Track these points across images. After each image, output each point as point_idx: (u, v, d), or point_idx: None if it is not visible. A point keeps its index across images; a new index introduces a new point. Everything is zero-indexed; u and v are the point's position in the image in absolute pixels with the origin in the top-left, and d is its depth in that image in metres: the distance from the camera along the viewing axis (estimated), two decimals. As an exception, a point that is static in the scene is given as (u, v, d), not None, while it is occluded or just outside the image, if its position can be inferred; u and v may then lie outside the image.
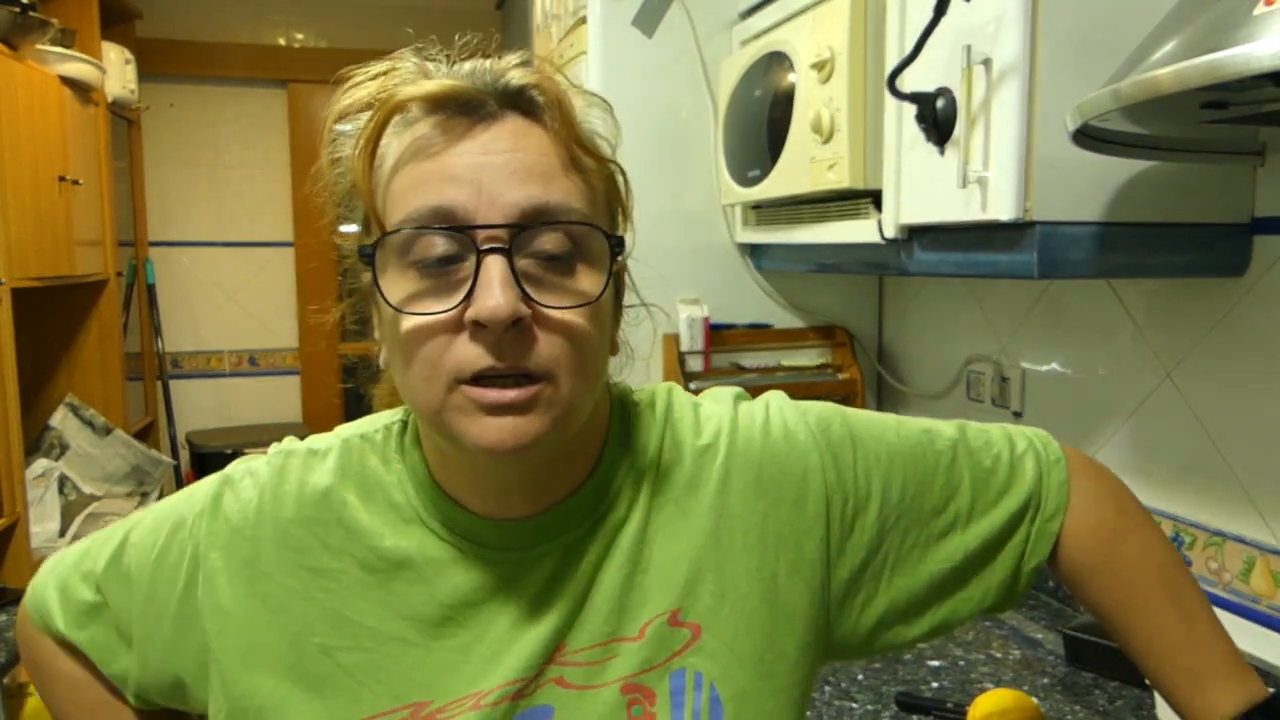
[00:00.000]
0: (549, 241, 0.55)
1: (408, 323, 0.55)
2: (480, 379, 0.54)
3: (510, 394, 0.54)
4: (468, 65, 0.58)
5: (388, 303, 0.56)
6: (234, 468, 0.70)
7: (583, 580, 0.62)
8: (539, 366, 0.54)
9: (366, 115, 0.57)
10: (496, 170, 0.54)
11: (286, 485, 0.66)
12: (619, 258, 0.60)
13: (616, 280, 0.63)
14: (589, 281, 0.57)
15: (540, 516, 0.62)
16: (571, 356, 0.55)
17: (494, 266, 0.53)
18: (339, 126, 0.60)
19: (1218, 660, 0.67)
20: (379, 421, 0.69)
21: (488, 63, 0.58)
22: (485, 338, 0.54)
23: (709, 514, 0.64)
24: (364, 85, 0.58)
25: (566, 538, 0.63)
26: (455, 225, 0.54)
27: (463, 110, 0.56)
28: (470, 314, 0.53)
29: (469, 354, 0.54)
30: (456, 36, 0.60)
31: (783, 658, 0.63)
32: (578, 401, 0.57)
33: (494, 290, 0.52)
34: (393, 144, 0.57)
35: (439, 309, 0.54)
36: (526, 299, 0.54)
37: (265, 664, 0.63)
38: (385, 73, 0.58)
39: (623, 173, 0.62)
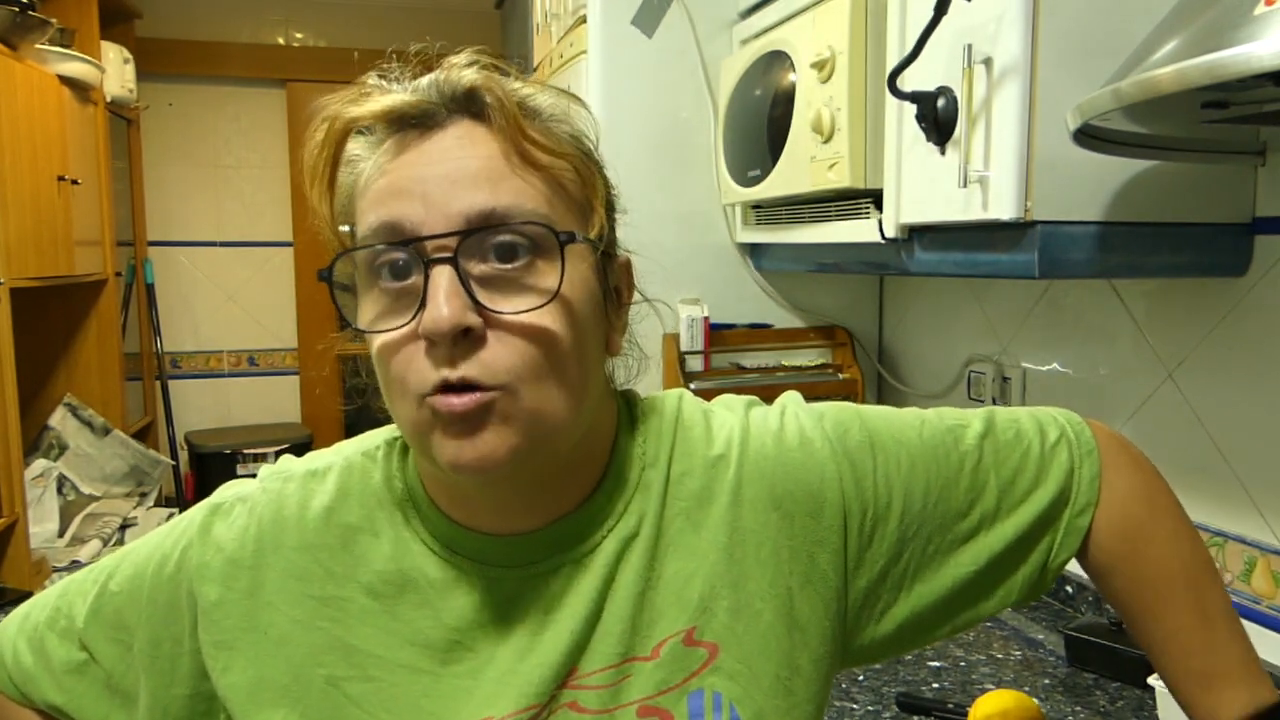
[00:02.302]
0: (500, 244, 0.54)
1: (374, 341, 0.55)
2: (439, 390, 0.53)
3: (461, 401, 0.52)
4: (425, 79, 0.56)
5: (347, 323, 0.56)
6: (221, 495, 0.67)
7: (592, 598, 0.60)
8: (493, 376, 0.53)
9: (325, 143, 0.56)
10: (441, 179, 0.53)
11: (286, 510, 0.64)
12: (595, 252, 0.58)
13: (606, 277, 0.61)
14: (549, 280, 0.55)
15: (543, 531, 0.60)
16: (535, 362, 0.54)
17: (440, 277, 0.52)
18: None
19: (1232, 664, 0.65)
20: (380, 437, 0.67)
21: (442, 74, 0.56)
22: (436, 351, 0.53)
23: (722, 528, 0.62)
24: (330, 110, 0.56)
25: (573, 554, 0.61)
26: (403, 239, 0.53)
27: (412, 123, 0.55)
28: (420, 329, 0.53)
29: (425, 367, 0.53)
30: (411, 46, 0.59)
31: (799, 673, 0.61)
32: (549, 410, 0.55)
33: (438, 301, 0.51)
34: (366, 167, 0.56)
35: (395, 325, 0.54)
36: (478, 306, 0.53)
37: (271, 699, 0.61)
38: (355, 99, 0.57)
39: (590, 164, 0.60)
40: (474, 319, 0.52)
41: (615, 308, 0.63)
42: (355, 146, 0.57)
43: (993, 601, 0.68)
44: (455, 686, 0.60)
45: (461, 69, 0.56)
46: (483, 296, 0.53)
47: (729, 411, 0.67)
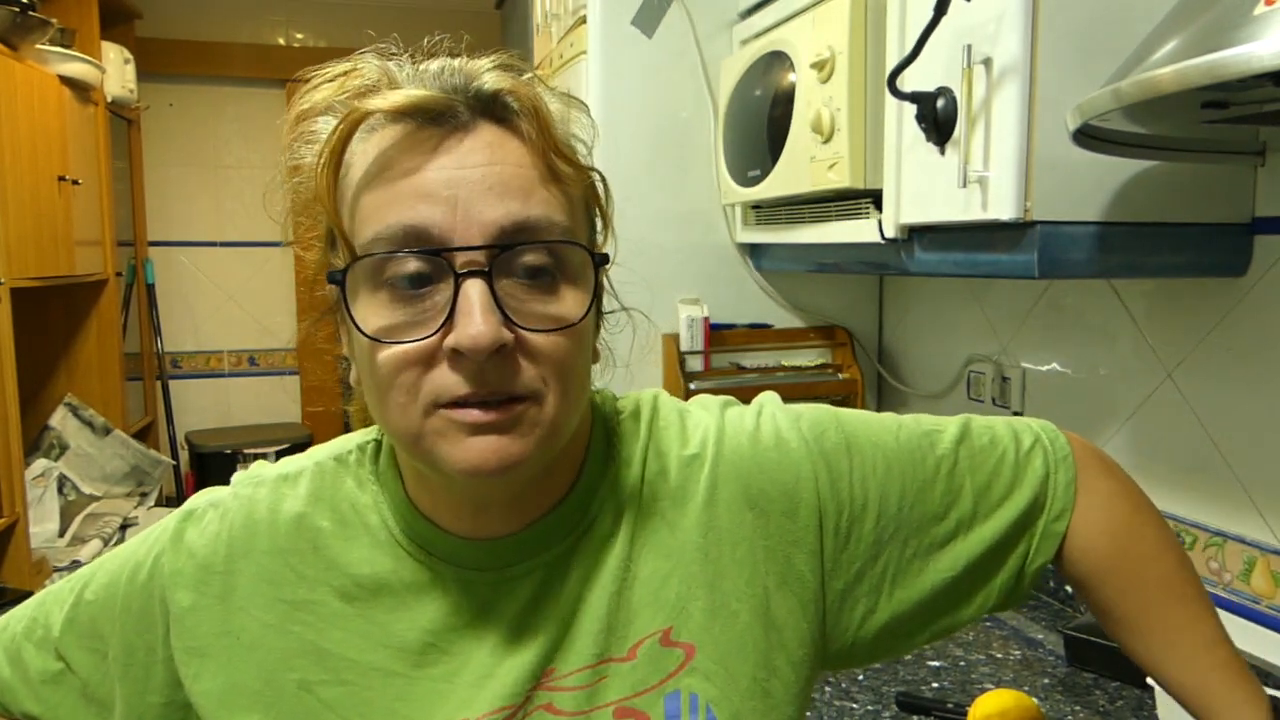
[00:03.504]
0: (530, 261, 0.52)
1: (384, 351, 0.52)
2: (460, 403, 0.52)
3: (492, 415, 0.51)
4: (435, 65, 0.54)
5: (362, 332, 0.53)
6: (194, 501, 0.66)
7: (568, 600, 0.60)
8: (523, 389, 0.52)
9: (327, 122, 0.54)
10: (472, 186, 0.51)
11: (257, 515, 0.63)
12: (603, 270, 0.58)
13: (596, 290, 0.60)
14: (572, 300, 0.54)
15: (520, 534, 0.60)
16: (555, 377, 0.53)
17: (473, 291, 0.50)
18: (301, 128, 0.57)
19: (1237, 667, 0.65)
20: (352, 442, 0.66)
21: (457, 63, 0.54)
22: (466, 366, 0.51)
23: (697, 528, 0.61)
24: (323, 88, 0.55)
25: (547, 555, 0.60)
26: (431, 247, 0.51)
27: (433, 120, 0.52)
28: (450, 342, 0.51)
29: (448, 381, 0.51)
30: (426, 40, 0.57)
31: (776, 675, 0.61)
32: (562, 421, 0.55)
33: (475, 318, 0.50)
34: (357, 154, 0.54)
35: (416, 337, 0.51)
36: (508, 323, 0.51)
37: (243, 704, 0.61)
38: (346, 73, 0.55)
39: (603, 179, 0.60)
40: (508, 335, 0.51)
41: (598, 315, 0.62)
42: None
43: (971, 608, 0.67)
44: (430, 689, 0.59)
45: (485, 70, 0.54)
46: (511, 312, 0.52)
47: (704, 411, 0.67)
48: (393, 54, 0.56)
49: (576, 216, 0.56)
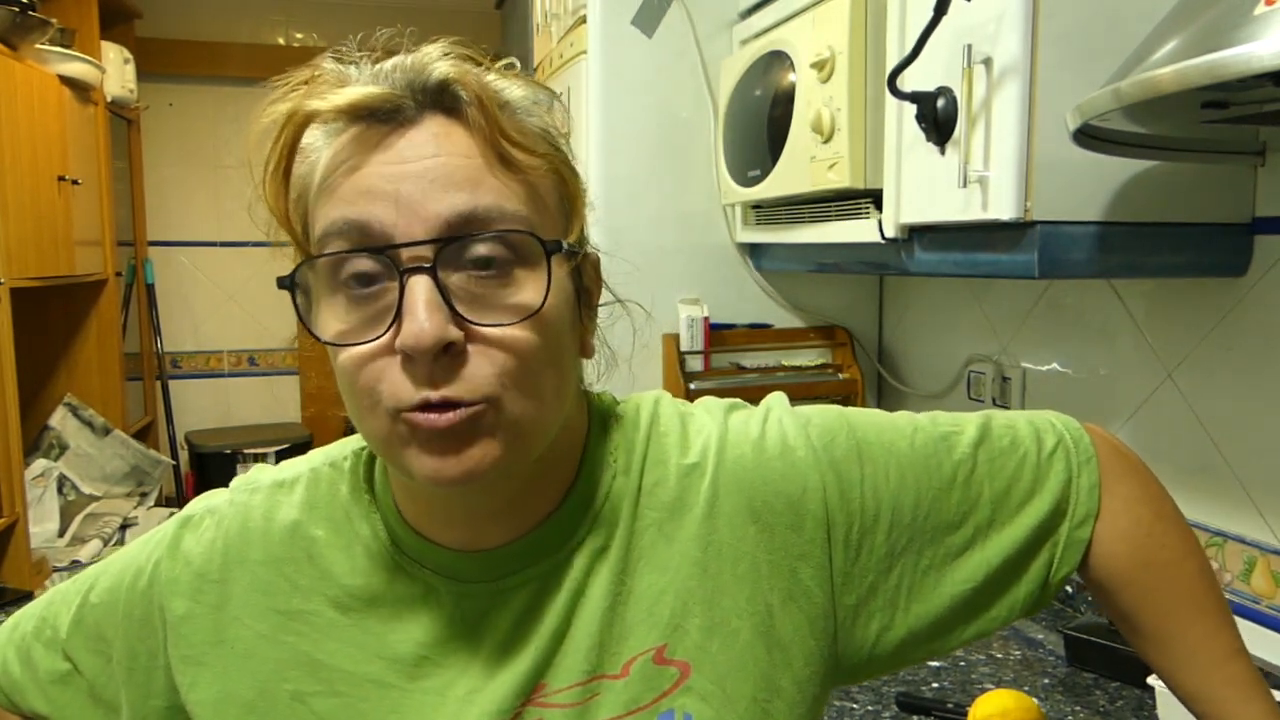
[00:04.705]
0: (480, 252, 0.50)
1: (341, 355, 0.52)
2: (415, 409, 0.51)
3: (444, 418, 0.50)
4: (389, 63, 0.53)
5: (317, 337, 0.53)
6: (193, 507, 0.66)
7: (560, 613, 0.58)
8: (475, 392, 0.50)
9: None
10: (415, 180, 0.50)
11: (252, 523, 0.63)
12: (573, 258, 0.56)
13: (579, 278, 0.58)
14: (531, 290, 0.52)
15: (513, 545, 0.58)
16: (516, 374, 0.51)
17: (417, 288, 0.49)
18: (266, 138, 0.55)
19: (1252, 681, 0.63)
20: (348, 447, 0.65)
21: (408, 59, 0.53)
22: (415, 366, 0.50)
23: (695, 541, 0.59)
24: (289, 98, 0.53)
25: (540, 567, 0.58)
26: (374, 245, 0.50)
27: (380, 117, 0.51)
28: (396, 343, 0.50)
29: (403, 385, 0.50)
30: (365, 36, 0.56)
31: (779, 695, 0.58)
32: (530, 422, 0.53)
33: (417, 315, 0.48)
34: (321, 160, 0.53)
35: (367, 338, 0.51)
36: (459, 319, 0.50)
37: (236, 714, 0.60)
38: (307, 81, 0.54)
39: (570, 165, 0.57)
40: (455, 333, 0.49)
41: (586, 309, 0.60)
42: (309, 136, 0.53)
43: (993, 622, 0.64)
44: (422, 702, 0.58)
45: (433, 61, 0.52)
46: (462, 307, 0.50)
47: (708, 416, 0.64)
48: (356, 56, 0.55)
49: (540, 205, 0.54)
